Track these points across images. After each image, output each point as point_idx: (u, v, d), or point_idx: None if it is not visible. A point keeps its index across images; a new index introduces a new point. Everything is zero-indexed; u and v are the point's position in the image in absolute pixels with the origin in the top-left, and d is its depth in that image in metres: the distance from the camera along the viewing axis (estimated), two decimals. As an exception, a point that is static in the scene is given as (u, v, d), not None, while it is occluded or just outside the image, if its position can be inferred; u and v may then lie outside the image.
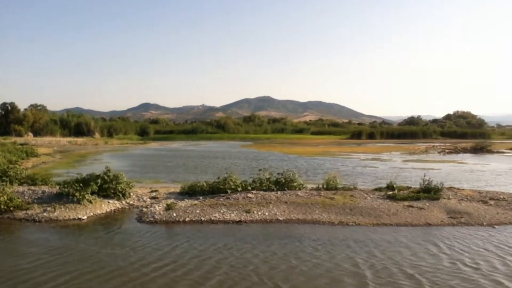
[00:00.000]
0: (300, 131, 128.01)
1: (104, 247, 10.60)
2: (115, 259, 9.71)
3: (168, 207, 14.38)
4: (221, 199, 15.65)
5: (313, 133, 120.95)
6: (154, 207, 14.86)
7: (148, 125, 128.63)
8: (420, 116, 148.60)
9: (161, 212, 14.05)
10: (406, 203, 15.27)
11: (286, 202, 15.04)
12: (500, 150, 52.94)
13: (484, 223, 13.16)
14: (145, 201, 16.38)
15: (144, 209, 14.87)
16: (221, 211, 14.14)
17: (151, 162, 37.72)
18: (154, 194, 17.64)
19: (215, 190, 17.07)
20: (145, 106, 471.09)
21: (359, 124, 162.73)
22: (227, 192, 16.65)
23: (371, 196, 16.45)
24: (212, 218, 13.48)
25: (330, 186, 18.01)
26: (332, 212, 14.10)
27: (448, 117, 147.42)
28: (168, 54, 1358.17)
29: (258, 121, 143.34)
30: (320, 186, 18.43)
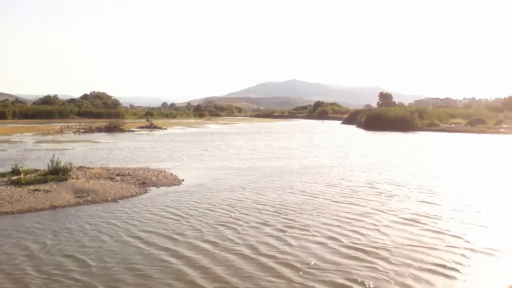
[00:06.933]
0: None
1: None
2: None
3: None
4: None
5: None
6: None
7: None
8: (57, 95, 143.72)
9: None
10: (32, 187, 14.40)
11: None
12: (131, 129, 57.76)
13: (109, 199, 13.97)
14: None
15: None
16: None
17: None
18: None
19: None
20: None
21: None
22: None
23: (-8, 183, 14.67)
24: None
25: None
26: None
27: (85, 97, 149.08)
28: None
29: None
30: None
